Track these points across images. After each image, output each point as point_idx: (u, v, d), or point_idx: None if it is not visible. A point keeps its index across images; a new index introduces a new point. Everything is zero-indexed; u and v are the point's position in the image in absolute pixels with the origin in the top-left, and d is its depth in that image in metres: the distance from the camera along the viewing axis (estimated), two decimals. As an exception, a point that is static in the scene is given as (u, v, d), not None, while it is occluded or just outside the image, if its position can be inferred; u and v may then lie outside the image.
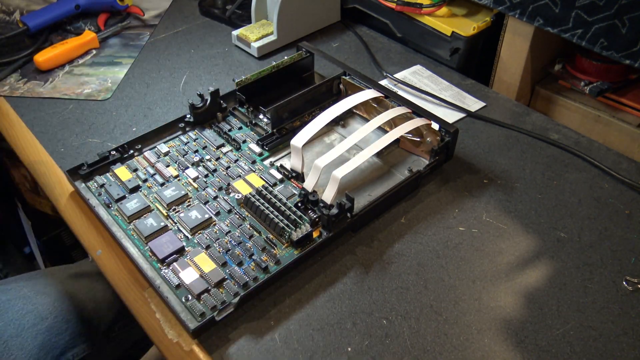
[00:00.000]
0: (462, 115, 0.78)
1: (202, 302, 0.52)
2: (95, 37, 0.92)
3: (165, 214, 0.61)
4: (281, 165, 0.67)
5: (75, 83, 0.85)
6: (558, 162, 0.70)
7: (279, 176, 0.66)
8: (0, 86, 0.84)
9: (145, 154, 0.69)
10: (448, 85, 0.83)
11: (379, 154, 0.69)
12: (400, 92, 0.81)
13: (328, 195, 0.60)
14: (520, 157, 0.71)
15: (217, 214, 0.61)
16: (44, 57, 0.86)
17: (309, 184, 0.62)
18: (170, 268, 0.56)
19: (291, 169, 0.65)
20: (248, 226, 0.60)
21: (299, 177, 0.65)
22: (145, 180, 0.65)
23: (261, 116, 0.73)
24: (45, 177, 0.70)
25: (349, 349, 0.51)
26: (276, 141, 0.70)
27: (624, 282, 0.56)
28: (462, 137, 0.73)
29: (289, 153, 0.69)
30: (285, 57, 0.78)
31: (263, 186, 0.63)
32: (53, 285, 0.81)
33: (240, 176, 0.66)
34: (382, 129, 0.72)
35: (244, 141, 0.71)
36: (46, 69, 0.87)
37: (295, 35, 0.92)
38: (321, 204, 0.59)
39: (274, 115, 0.69)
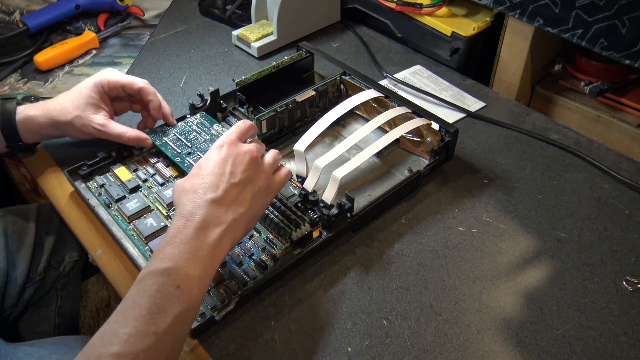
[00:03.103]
0: (462, 115, 0.78)
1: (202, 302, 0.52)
2: (95, 37, 0.92)
3: (165, 214, 0.61)
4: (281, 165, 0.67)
5: (76, 83, 0.84)
6: (558, 162, 0.70)
7: (279, 176, 0.66)
8: (0, 86, 0.84)
9: (146, 154, 0.69)
10: (448, 85, 0.83)
11: (379, 154, 0.69)
12: (400, 92, 0.81)
13: (328, 195, 0.60)
14: (520, 157, 0.71)
15: (217, 214, 0.61)
16: (44, 57, 0.86)
17: (309, 184, 0.62)
18: (170, 268, 0.56)
19: (297, 175, 0.65)
20: (248, 226, 0.60)
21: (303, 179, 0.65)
22: (145, 180, 0.65)
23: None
24: (45, 177, 0.70)
25: (349, 349, 0.51)
26: (276, 141, 0.70)
27: (624, 282, 0.56)
28: (462, 137, 0.73)
29: (289, 153, 0.69)
30: (285, 57, 0.78)
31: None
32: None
33: (240, 176, 0.66)
34: (382, 129, 0.72)
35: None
36: (46, 69, 0.87)
37: (295, 35, 0.92)
38: (321, 204, 0.59)
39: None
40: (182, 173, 0.66)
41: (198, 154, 0.66)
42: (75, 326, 0.88)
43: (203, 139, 0.68)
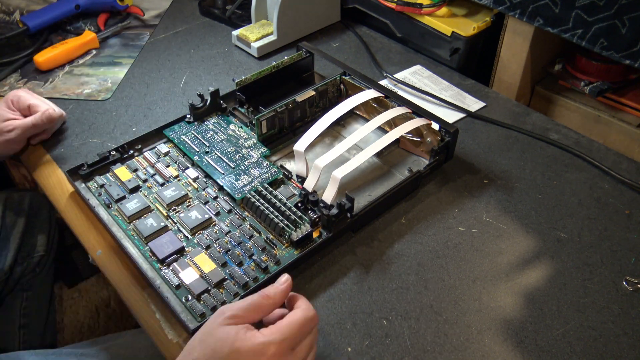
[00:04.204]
0: (462, 115, 0.78)
1: (202, 303, 0.52)
2: (95, 37, 0.92)
3: (165, 214, 0.61)
4: (281, 166, 0.67)
5: (75, 83, 0.85)
6: (558, 162, 0.70)
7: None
8: (0, 86, 0.84)
9: (145, 154, 0.69)
10: (448, 85, 0.83)
11: (379, 154, 0.69)
12: (400, 92, 0.81)
13: (328, 195, 0.60)
14: (520, 157, 0.71)
15: (217, 214, 0.61)
16: (44, 57, 0.86)
17: (309, 184, 0.62)
18: (170, 268, 0.56)
19: (296, 175, 0.65)
20: (248, 226, 0.60)
21: (304, 179, 0.65)
22: (145, 181, 0.65)
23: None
24: (45, 177, 0.70)
25: (349, 349, 0.51)
26: (276, 141, 0.70)
27: (624, 282, 0.56)
28: (462, 137, 0.73)
29: (289, 153, 0.69)
30: (285, 57, 0.78)
31: (263, 186, 0.63)
32: None
33: (240, 176, 0.66)
34: (382, 129, 0.72)
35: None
36: (46, 69, 0.87)
37: (295, 35, 0.92)
38: (321, 204, 0.59)
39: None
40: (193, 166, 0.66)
41: (215, 153, 0.67)
42: (51, 328, 0.85)
43: (220, 139, 0.69)
